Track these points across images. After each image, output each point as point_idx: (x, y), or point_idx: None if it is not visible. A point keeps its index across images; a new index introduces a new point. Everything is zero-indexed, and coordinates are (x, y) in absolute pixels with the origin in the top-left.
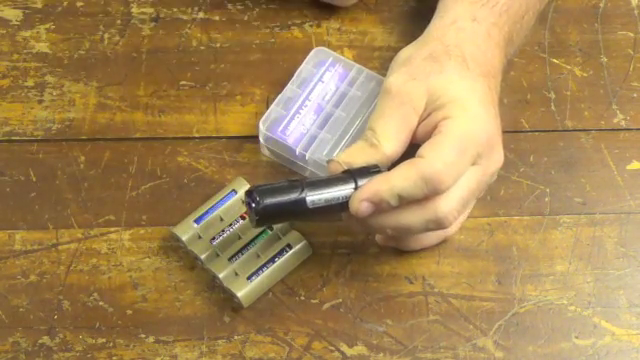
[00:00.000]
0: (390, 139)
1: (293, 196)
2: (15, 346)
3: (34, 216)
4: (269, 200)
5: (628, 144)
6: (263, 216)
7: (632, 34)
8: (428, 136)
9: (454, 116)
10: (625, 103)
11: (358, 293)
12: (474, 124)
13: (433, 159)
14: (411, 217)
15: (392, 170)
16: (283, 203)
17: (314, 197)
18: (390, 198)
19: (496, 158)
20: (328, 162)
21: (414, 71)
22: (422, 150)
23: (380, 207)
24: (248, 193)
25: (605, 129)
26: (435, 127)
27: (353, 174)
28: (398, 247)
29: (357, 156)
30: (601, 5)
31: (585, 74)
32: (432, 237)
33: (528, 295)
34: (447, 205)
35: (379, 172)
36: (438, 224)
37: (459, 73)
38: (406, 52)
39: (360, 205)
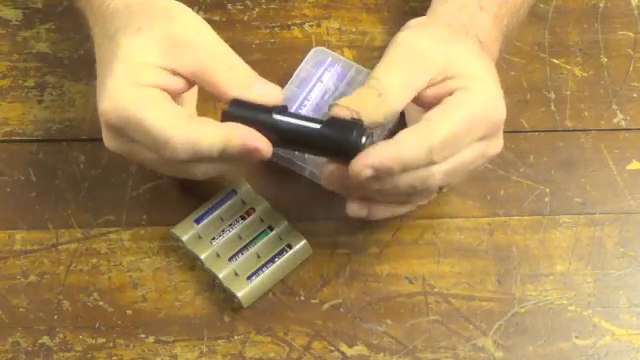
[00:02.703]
0: (396, 91)
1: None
2: (15, 346)
3: (34, 216)
4: (238, 106)
5: (628, 144)
6: (229, 115)
7: (632, 34)
8: (436, 101)
9: (473, 89)
10: (625, 103)
11: (358, 293)
12: (491, 103)
13: (442, 128)
14: (403, 179)
15: (400, 138)
16: (250, 108)
17: (282, 117)
18: (397, 168)
19: (498, 143)
20: (330, 106)
21: (433, 33)
22: (432, 114)
23: (382, 174)
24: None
25: (605, 129)
26: (447, 94)
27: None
28: (367, 218)
29: (363, 104)
30: (601, 5)
31: (585, 74)
32: (405, 207)
33: (528, 295)
34: (440, 171)
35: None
36: (426, 186)
37: (477, 51)
38: (418, 20)
39: (363, 169)
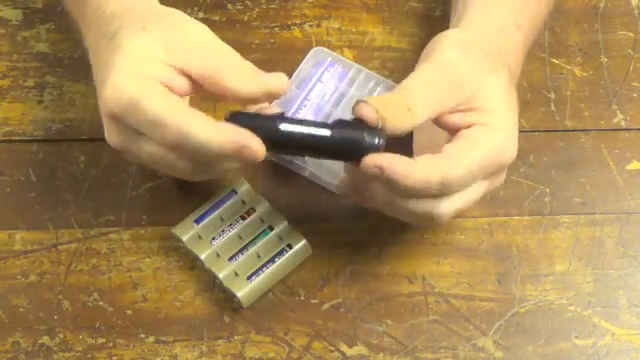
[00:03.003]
0: (425, 108)
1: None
2: (15, 346)
3: (34, 216)
4: (243, 115)
5: (628, 144)
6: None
7: (632, 34)
8: (452, 127)
9: (492, 127)
10: (625, 103)
11: (358, 293)
12: (506, 144)
13: (460, 167)
14: (408, 204)
15: (418, 161)
16: (255, 117)
17: (288, 125)
18: (402, 184)
19: (502, 178)
20: (357, 101)
21: (473, 59)
22: (452, 150)
23: (388, 184)
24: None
25: (605, 129)
26: (466, 125)
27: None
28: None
29: (390, 113)
30: (601, 5)
31: (585, 74)
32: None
33: (528, 295)
34: (445, 207)
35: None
36: (430, 220)
37: (507, 85)
38: (457, 35)
39: (373, 168)
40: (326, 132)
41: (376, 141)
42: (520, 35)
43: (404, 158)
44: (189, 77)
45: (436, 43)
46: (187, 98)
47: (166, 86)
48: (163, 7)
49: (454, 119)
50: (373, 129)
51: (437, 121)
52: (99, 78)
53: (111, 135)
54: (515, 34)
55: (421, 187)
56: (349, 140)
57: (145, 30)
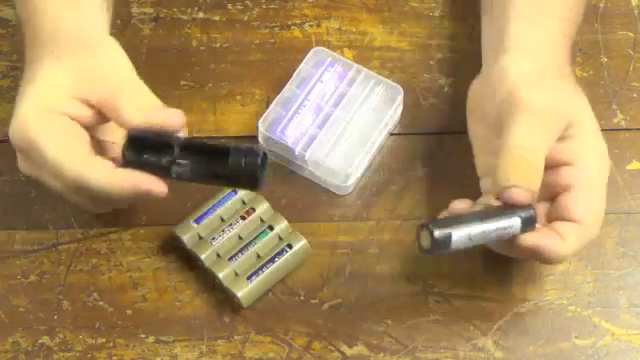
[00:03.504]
0: (543, 157)
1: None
2: (15, 346)
3: (34, 216)
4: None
5: (628, 144)
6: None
7: (632, 34)
8: (554, 161)
9: (593, 157)
10: (625, 103)
11: (358, 293)
12: (607, 165)
13: (598, 226)
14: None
15: (568, 240)
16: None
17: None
18: (551, 261)
19: None
20: (504, 190)
21: (555, 89)
22: (581, 215)
23: (537, 257)
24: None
25: (605, 129)
26: (568, 159)
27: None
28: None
29: (529, 180)
30: (601, 5)
31: (585, 74)
32: None
33: (528, 295)
34: (566, 250)
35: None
36: (550, 262)
37: (586, 100)
38: (522, 67)
39: (527, 249)
40: (219, 174)
41: (534, 214)
42: (567, 43)
43: (555, 238)
44: (93, 107)
45: (508, 83)
46: (85, 137)
47: (71, 118)
48: (90, 33)
49: (553, 153)
50: (526, 207)
51: None
52: (17, 99)
53: (20, 163)
54: (563, 43)
55: (566, 258)
56: (243, 172)
57: (58, 60)
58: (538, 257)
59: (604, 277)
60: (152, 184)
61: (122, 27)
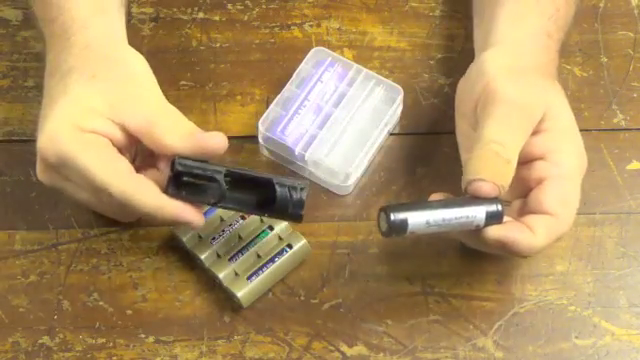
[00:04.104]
0: (517, 151)
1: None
2: (15, 346)
3: (34, 216)
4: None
5: (628, 144)
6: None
7: (632, 34)
8: (528, 156)
9: (568, 152)
10: (625, 103)
11: (358, 293)
12: (584, 161)
13: (570, 219)
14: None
15: (537, 233)
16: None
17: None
18: (522, 254)
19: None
20: (470, 182)
21: (530, 83)
22: (553, 207)
23: (506, 250)
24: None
25: (605, 129)
26: (539, 154)
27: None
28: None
29: (498, 174)
30: (601, 5)
31: (585, 74)
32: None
33: (528, 295)
34: (536, 243)
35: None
36: (520, 255)
37: (563, 96)
38: (500, 60)
39: (495, 242)
40: (263, 210)
41: (500, 208)
42: (552, 43)
43: (524, 230)
44: (127, 131)
45: (486, 77)
46: (124, 156)
47: (107, 138)
48: (122, 52)
49: (527, 148)
50: (491, 199)
51: None
52: (43, 113)
53: (43, 176)
54: (547, 42)
55: (540, 249)
56: (286, 207)
57: (94, 79)
58: (508, 250)
59: (604, 277)
60: (194, 217)
61: None
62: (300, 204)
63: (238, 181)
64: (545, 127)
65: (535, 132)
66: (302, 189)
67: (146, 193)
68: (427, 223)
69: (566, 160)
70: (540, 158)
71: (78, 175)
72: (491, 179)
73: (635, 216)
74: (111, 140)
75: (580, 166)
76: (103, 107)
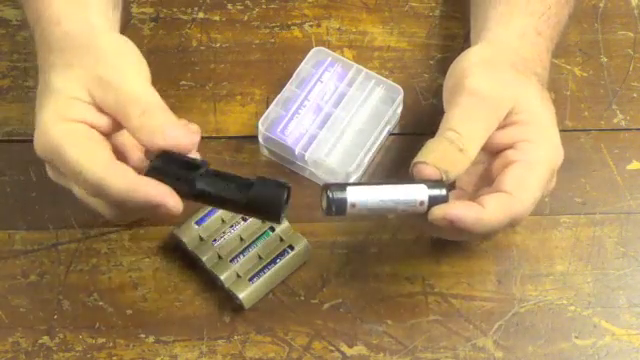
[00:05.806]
0: (476, 145)
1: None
2: (15, 346)
3: (34, 216)
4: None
5: (628, 144)
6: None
7: (632, 34)
8: (495, 148)
9: (537, 142)
10: (625, 103)
11: (358, 293)
12: (555, 152)
13: (526, 201)
14: (474, 238)
15: (486, 207)
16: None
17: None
18: (473, 230)
19: (554, 182)
20: (414, 164)
21: (501, 77)
22: (510, 186)
23: (458, 229)
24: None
25: (605, 129)
26: (508, 143)
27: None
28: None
29: (446, 160)
30: (601, 5)
31: (585, 74)
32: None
33: (528, 295)
34: (509, 227)
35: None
36: (474, 232)
37: (539, 91)
38: (479, 54)
39: (441, 220)
40: (242, 196)
41: (444, 192)
42: (541, 40)
43: (472, 206)
44: (108, 114)
45: (461, 69)
46: (106, 144)
47: (90, 125)
48: (98, 39)
49: (496, 140)
50: (436, 182)
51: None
52: (36, 110)
53: (49, 172)
54: (536, 40)
55: (491, 230)
56: (266, 201)
57: (70, 69)
58: (457, 228)
59: (604, 277)
60: (169, 198)
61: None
62: (278, 200)
63: (218, 176)
64: (514, 120)
65: (504, 125)
66: (284, 187)
67: (119, 176)
68: (367, 203)
69: (534, 149)
70: (509, 148)
71: (63, 166)
72: (434, 164)
73: (635, 216)
74: (96, 126)
75: (550, 158)
76: (81, 93)
